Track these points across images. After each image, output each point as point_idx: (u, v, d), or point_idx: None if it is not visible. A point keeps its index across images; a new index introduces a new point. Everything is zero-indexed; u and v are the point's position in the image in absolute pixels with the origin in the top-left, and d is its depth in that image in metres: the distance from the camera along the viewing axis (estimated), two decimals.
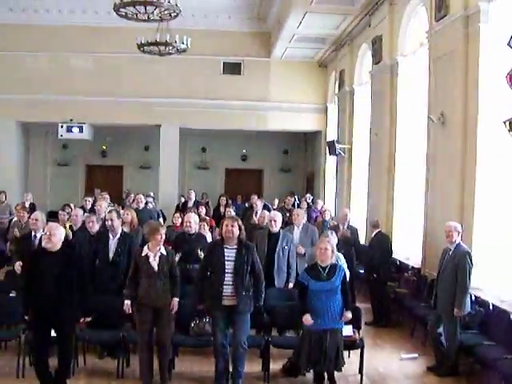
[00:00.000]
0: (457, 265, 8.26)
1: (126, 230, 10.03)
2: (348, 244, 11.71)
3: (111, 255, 8.85)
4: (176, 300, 7.77)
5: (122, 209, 12.39)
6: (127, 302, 7.72)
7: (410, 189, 13.12)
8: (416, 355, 9.22)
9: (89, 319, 7.30)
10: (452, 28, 10.33)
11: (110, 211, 9.42)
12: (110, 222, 8.99)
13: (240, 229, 7.69)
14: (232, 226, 7.63)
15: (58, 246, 7.14)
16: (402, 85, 13.43)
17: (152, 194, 17.72)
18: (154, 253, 7.70)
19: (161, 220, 14.70)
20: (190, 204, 16.62)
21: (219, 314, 7.63)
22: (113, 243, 8.92)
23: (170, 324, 7.87)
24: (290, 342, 8.45)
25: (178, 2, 12.35)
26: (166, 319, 7.74)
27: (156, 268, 7.65)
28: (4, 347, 8.86)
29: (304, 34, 17.13)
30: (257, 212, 13.72)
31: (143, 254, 7.73)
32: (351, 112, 17.24)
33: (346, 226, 12.27)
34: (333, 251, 7.78)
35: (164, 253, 7.76)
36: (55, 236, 7.10)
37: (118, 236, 8.97)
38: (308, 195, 19.19)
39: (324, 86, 20.81)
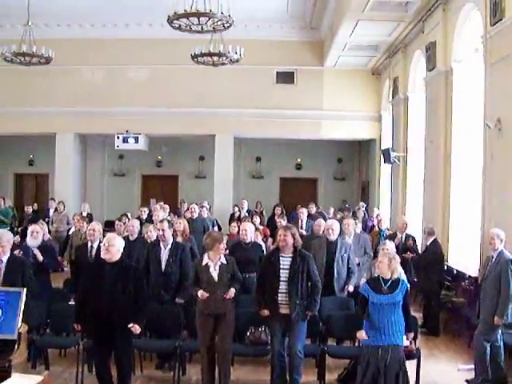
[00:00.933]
0: (499, 272, 8.06)
1: (179, 239, 10.12)
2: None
3: (163, 265, 8.92)
4: (233, 290, 7.73)
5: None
6: (201, 292, 7.65)
7: (466, 196, 12.88)
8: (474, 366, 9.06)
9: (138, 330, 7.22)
10: (508, 32, 10.12)
11: (161, 221, 9.51)
12: (161, 232, 9.07)
13: (294, 237, 7.71)
14: (285, 235, 7.68)
15: (117, 256, 7.16)
16: (457, 91, 13.21)
17: (207, 203, 17.85)
18: (215, 262, 7.74)
19: (215, 229, 14.79)
20: (242, 213, 16.68)
21: (276, 322, 7.66)
22: (164, 253, 8.99)
23: (230, 332, 7.84)
24: (347, 352, 8.40)
25: (230, 13, 12.42)
26: (226, 327, 7.74)
27: (216, 278, 7.69)
28: (64, 354, 9.05)
29: (357, 41, 17.05)
30: (302, 221, 13.72)
31: (203, 264, 7.77)
32: (406, 119, 17.06)
33: (404, 235, 12.15)
34: (394, 263, 7.63)
35: (224, 262, 7.79)
36: (114, 247, 7.12)
37: (170, 246, 9.03)
38: (361, 203, 19.06)
39: (378, 93, 20.67)
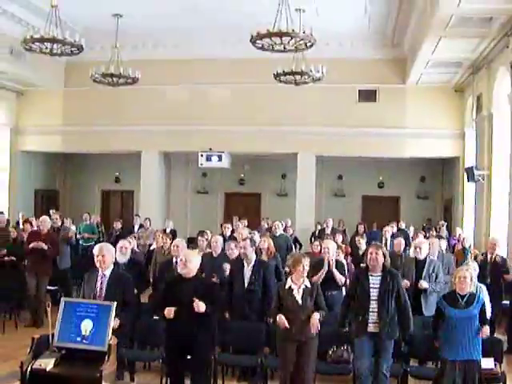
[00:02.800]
0: None
1: (264, 257, 10.22)
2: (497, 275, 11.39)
3: (246, 283, 8.99)
4: (317, 316, 7.45)
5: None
6: (280, 318, 7.45)
7: None
8: None
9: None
10: None
11: (243, 239, 9.63)
12: (243, 250, 9.20)
13: (384, 256, 7.69)
14: (376, 253, 7.63)
15: (194, 272, 7.30)
16: None
17: (289, 221, 17.94)
18: (298, 285, 7.58)
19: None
20: (328, 231, 16.69)
21: (364, 340, 7.57)
22: (247, 271, 9.06)
23: (312, 359, 7.63)
24: (429, 373, 8.31)
25: (312, 32, 12.53)
26: (308, 355, 7.53)
27: (300, 301, 7.52)
28: (148, 367, 9.25)
29: (439, 58, 16.85)
30: (386, 240, 13.65)
31: (287, 287, 7.63)
32: (490, 137, 16.73)
33: (494, 255, 11.90)
34: (472, 280, 7.62)
35: (308, 285, 7.61)
36: (191, 262, 7.26)
37: (252, 263, 9.09)
38: (441, 222, 18.79)
39: (461, 110, 20.32)
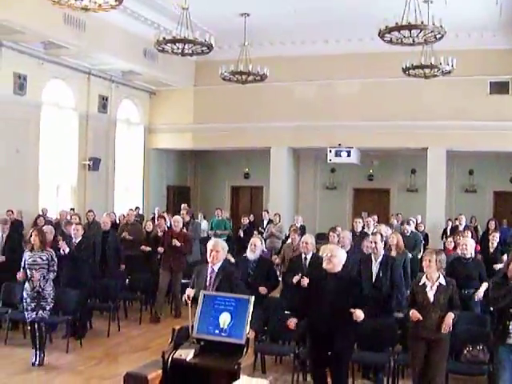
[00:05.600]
0: None
1: (393, 253, 10.13)
2: None
3: (373, 278, 8.91)
4: (451, 316, 7.17)
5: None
6: (413, 311, 7.30)
7: None
8: None
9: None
10: None
11: (373, 234, 9.56)
12: (373, 245, 9.11)
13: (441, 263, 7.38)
14: (430, 260, 7.30)
15: (339, 267, 7.27)
16: None
17: (419, 217, 17.65)
18: (432, 282, 7.34)
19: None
20: (460, 228, 16.29)
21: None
22: (375, 266, 8.99)
23: (443, 360, 7.36)
24: None
25: (442, 24, 12.26)
26: (439, 355, 7.28)
27: (432, 299, 7.28)
28: (279, 361, 9.35)
29: None
30: None
31: (421, 283, 7.43)
32: None
33: None
34: None
35: (443, 283, 7.34)
36: (336, 257, 7.23)
37: (380, 259, 9.01)
38: None
39: None
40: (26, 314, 9.09)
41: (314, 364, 7.44)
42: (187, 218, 14.90)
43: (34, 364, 8.95)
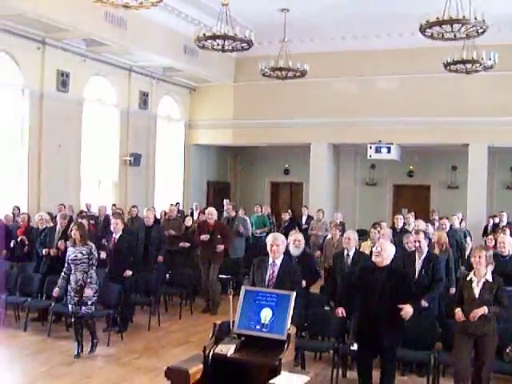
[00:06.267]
0: None
1: (436, 251, 10.07)
2: None
3: (416, 275, 8.88)
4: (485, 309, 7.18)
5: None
6: (458, 310, 7.31)
7: None
8: None
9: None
10: None
11: (417, 232, 9.53)
12: (417, 244, 9.10)
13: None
14: (480, 256, 7.27)
15: (387, 261, 7.35)
16: None
17: (460, 214, 17.47)
18: (479, 278, 7.31)
19: (468, 240, 14.49)
20: (501, 225, 16.12)
21: None
22: (418, 264, 8.97)
23: (490, 357, 7.31)
24: None
25: (484, 18, 12.11)
26: (485, 351, 7.24)
27: (477, 295, 7.25)
28: (319, 357, 9.36)
29: None
30: None
31: (468, 279, 7.42)
32: None
33: None
34: None
35: (490, 279, 7.31)
36: (385, 251, 7.33)
37: (423, 257, 9.00)
38: None
39: None
40: (69, 306, 9.26)
41: (361, 356, 7.47)
42: (233, 214, 14.96)
43: (77, 356, 9.12)
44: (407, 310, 6.98)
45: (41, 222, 12.30)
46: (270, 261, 7.51)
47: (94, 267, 9.29)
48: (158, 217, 16.80)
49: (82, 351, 9.20)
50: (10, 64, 16.16)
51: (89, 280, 9.18)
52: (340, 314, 7.50)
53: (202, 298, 12.78)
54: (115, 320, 10.32)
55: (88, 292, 9.12)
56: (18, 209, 15.05)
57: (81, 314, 9.13)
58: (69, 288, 9.25)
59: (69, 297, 9.28)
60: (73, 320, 9.35)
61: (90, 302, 9.17)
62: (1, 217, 14.01)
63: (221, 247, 12.26)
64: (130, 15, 15.60)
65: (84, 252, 9.22)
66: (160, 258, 12.76)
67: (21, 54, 16.15)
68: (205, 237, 12.41)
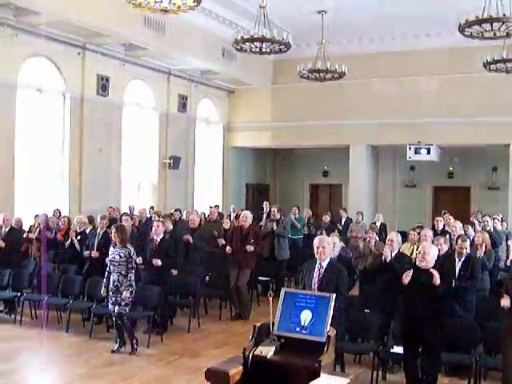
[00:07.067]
0: None
1: (480, 252, 10.00)
2: None
3: (456, 276, 8.86)
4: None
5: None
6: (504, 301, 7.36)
7: None
8: None
9: None
10: None
11: (463, 239, 9.48)
12: (463, 251, 9.13)
13: None
14: None
15: (431, 264, 7.33)
16: None
17: (501, 215, 17.27)
18: None
19: (510, 242, 14.32)
20: None
21: None
22: (458, 265, 9.01)
23: None
24: None
25: None
26: None
27: None
28: (358, 360, 9.33)
29: None
30: None
31: None
32: None
33: None
34: None
35: None
36: (428, 255, 7.32)
37: (463, 259, 9.04)
38: None
39: None
40: (109, 306, 9.45)
41: (407, 358, 7.44)
42: (278, 216, 14.92)
43: (114, 351, 9.35)
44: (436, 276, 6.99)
45: (80, 225, 12.45)
46: (317, 263, 7.52)
47: (133, 270, 9.40)
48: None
49: (121, 347, 9.38)
50: (52, 69, 16.41)
51: (127, 283, 9.29)
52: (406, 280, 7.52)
53: (232, 304, 12.58)
54: (155, 321, 10.40)
55: (125, 294, 9.24)
56: (59, 212, 15.24)
57: (116, 314, 9.27)
58: (108, 288, 9.41)
59: (108, 296, 9.43)
60: (113, 318, 9.48)
61: (123, 303, 9.28)
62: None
63: (251, 247, 12.11)
64: (169, 19, 15.78)
65: (122, 254, 9.33)
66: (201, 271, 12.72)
67: (62, 60, 16.40)
68: (229, 249, 12.40)
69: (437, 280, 7.10)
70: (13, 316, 11.46)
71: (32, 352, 9.78)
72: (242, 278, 12.26)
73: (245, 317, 12.11)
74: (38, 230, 13.50)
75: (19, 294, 11.44)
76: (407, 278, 7.30)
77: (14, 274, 11.85)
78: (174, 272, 10.94)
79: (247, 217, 12.56)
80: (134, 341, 9.44)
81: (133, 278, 9.41)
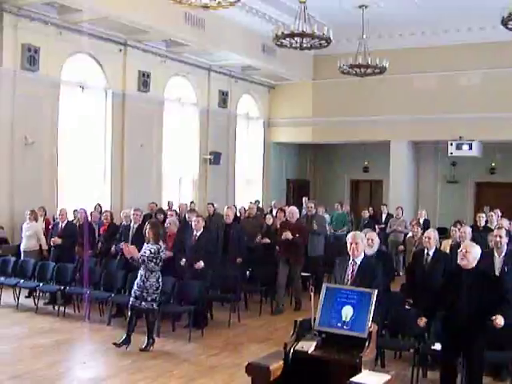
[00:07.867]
0: None
1: None
2: None
3: (497, 273, 8.70)
4: None
5: None
6: None
7: None
8: None
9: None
10: None
11: (499, 227, 9.35)
12: (498, 239, 8.99)
13: None
14: None
15: (473, 263, 7.10)
16: None
17: None
18: None
19: None
20: None
21: None
22: (498, 262, 8.86)
23: None
24: None
25: None
26: None
27: None
28: (399, 356, 9.25)
29: None
30: None
31: None
32: None
33: None
34: None
35: None
36: (471, 254, 7.08)
37: (503, 254, 8.92)
38: None
39: None
40: (131, 299, 9.48)
41: (446, 358, 7.36)
42: (313, 211, 14.91)
43: (116, 345, 9.29)
44: (499, 322, 6.79)
45: (126, 219, 12.53)
46: (351, 259, 7.47)
47: (158, 267, 9.41)
48: (239, 214, 16.89)
49: (126, 343, 9.35)
50: (94, 66, 16.62)
51: (153, 279, 9.35)
52: (421, 325, 7.37)
53: (273, 298, 12.57)
54: (196, 316, 10.45)
55: (149, 290, 9.31)
56: (100, 207, 15.38)
57: (145, 309, 9.33)
58: (135, 281, 9.49)
59: (132, 289, 9.49)
60: (129, 313, 9.53)
61: (149, 298, 9.32)
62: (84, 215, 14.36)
63: (291, 236, 12.19)
64: (209, 16, 15.83)
65: (152, 250, 9.36)
66: (239, 260, 12.66)
67: (103, 57, 16.60)
68: (285, 235, 12.36)
69: (498, 325, 6.84)
70: (56, 308, 11.64)
71: (75, 344, 9.95)
72: (295, 276, 12.49)
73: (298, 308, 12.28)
74: (77, 225, 13.67)
75: (63, 287, 11.62)
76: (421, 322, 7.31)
77: (58, 267, 12.05)
78: (201, 264, 10.85)
79: (293, 212, 12.59)
80: (151, 340, 9.44)
81: (159, 274, 9.46)
